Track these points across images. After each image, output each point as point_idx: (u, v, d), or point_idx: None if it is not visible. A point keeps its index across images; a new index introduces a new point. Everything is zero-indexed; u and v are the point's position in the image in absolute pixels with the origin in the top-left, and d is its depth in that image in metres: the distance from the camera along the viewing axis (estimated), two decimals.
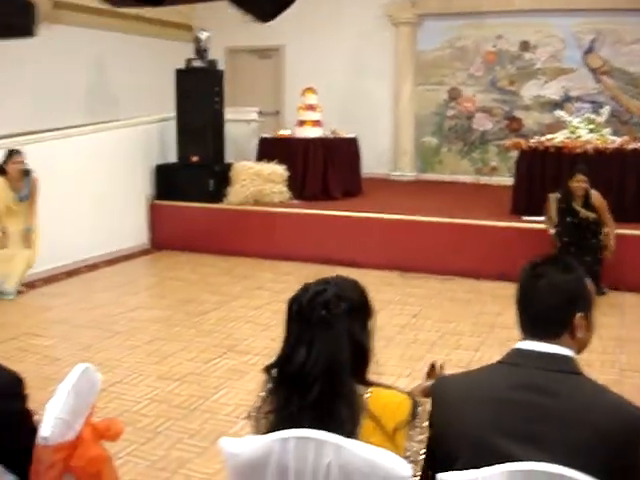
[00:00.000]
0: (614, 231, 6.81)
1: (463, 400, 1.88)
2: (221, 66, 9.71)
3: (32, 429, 2.08)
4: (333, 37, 11.71)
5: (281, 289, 6.82)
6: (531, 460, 1.61)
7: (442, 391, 1.94)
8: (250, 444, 1.78)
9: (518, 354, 1.90)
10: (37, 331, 5.88)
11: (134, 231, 8.98)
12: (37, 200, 6.96)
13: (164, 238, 9.13)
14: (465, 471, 1.63)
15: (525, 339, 1.91)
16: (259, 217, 8.73)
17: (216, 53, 10.06)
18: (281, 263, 8.12)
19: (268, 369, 1.94)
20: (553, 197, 6.95)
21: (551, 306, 1.88)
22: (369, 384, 1.90)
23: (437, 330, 5.89)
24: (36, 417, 2.19)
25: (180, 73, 9.13)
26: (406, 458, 1.74)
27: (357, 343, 1.86)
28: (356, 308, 1.90)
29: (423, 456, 1.79)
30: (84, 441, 2.13)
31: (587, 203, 6.78)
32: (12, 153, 6.78)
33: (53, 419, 1.98)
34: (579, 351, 1.93)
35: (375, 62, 11.61)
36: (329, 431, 1.72)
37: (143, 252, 8.96)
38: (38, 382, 4.33)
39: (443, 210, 8.32)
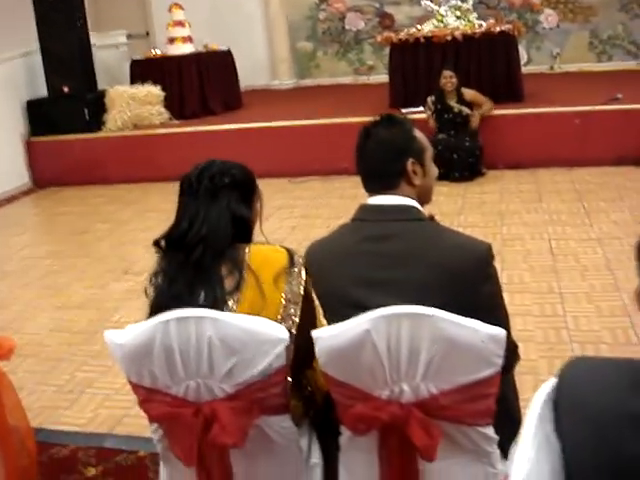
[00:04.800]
0: (492, 109, 7.34)
1: (323, 260, 2.00)
2: None
3: None
4: None
5: (170, 208, 6.61)
6: (385, 305, 1.67)
7: (308, 255, 2.05)
8: (133, 332, 1.85)
9: (364, 210, 2.03)
10: None
11: (13, 172, 8.63)
12: None
13: (46, 175, 8.84)
14: (332, 325, 1.73)
15: (370, 196, 2.03)
16: (140, 141, 8.56)
17: None
18: (168, 185, 7.93)
19: (157, 242, 2.03)
20: (430, 100, 7.30)
21: (381, 160, 2.02)
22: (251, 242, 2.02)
23: (327, 226, 5.93)
24: None
25: (36, 2, 8.68)
26: (287, 300, 1.88)
27: (237, 214, 1.97)
28: (239, 183, 2.02)
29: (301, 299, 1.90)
30: None
31: (461, 100, 7.20)
32: None
33: None
34: (424, 200, 2.05)
35: None
36: (211, 287, 1.87)
37: (26, 192, 8.66)
38: None
39: (325, 113, 8.35)
